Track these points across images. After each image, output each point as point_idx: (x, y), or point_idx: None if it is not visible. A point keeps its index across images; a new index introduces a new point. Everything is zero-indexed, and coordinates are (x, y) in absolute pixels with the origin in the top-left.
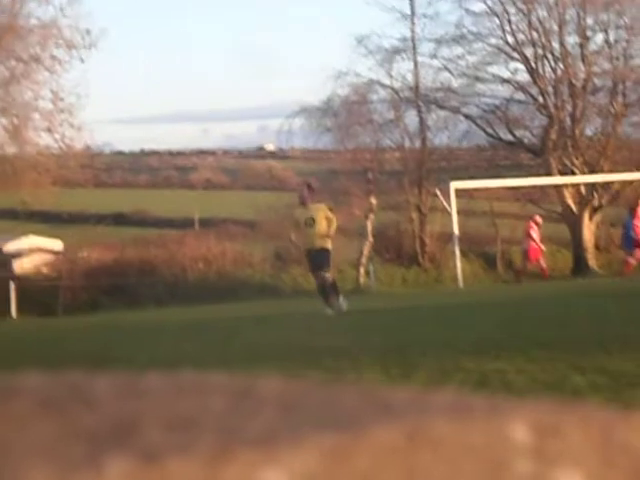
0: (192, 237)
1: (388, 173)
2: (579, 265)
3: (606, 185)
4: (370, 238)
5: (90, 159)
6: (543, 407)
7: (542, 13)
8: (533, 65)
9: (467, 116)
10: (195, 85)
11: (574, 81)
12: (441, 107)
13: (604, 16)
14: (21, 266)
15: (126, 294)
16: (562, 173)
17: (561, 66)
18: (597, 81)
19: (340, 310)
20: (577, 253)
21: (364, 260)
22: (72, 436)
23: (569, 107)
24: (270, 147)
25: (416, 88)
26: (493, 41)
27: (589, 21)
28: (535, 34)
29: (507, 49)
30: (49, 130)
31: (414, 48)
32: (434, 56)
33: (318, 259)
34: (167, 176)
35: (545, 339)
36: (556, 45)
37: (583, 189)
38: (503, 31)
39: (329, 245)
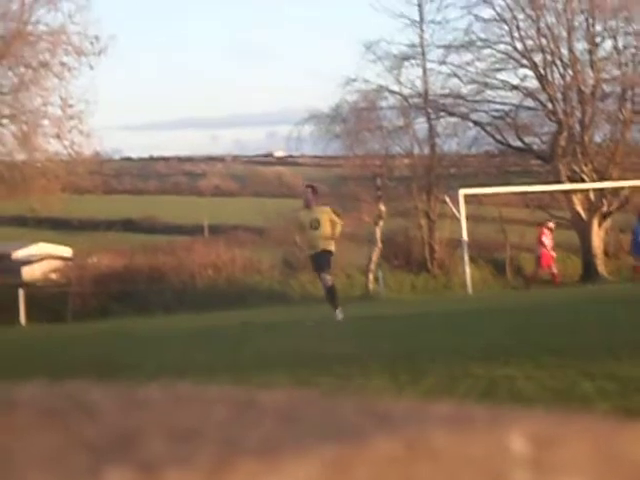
0: (201, 244)
1: (397, 179)
2: (588, 271)
3: (615, 191)
4: (379, 244)
5: (99, 165)
6: (542, 418)
7: (551, 19)
8: (542, 71)
9: (476, 122)
10: (204, 91)
11: (583, 87)
12: (450, 113)
13: (613, 22)
14: (31, 273)
15: (135, 301)
16: (571, 179)
17: (570, 72)
18: (606, 87)
19: (335, 318)
20: (586, 259)
21: (373, 266)
22: (73, 447)
23: (578, 113)
24: (279, 153)
25: (425, 94)
26: (502, 47)
27: (598, 27)
28: (544, 40)
29: (516, 55)
30: (58, 137)
31: (423, 54)
32: (443, 62)
33: (319, 260)
34: (176, 182)
35: (554, 345)
36: (565, 51)
37: (592, 195)
38: (512, 37)
39: (332, 247)
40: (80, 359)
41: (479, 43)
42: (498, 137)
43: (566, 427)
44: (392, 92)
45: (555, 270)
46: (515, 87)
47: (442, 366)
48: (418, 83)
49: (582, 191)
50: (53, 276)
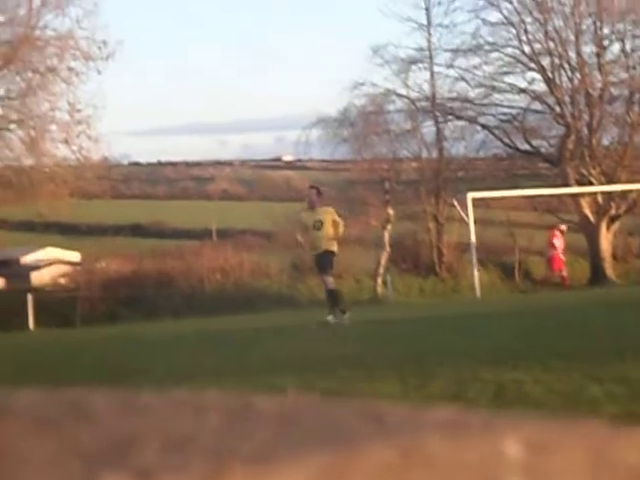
0: (209, 248)
1: (405, 183)
2: (597, 275)
3: (623, 194)
4: (387, 248)
5: (107, 170)
6: (536, 424)
7: (558, 23)
8: (550, 75)
9: (484, 126)
10: (212, 96)
11: (591, 91)
12: (458, 117)
13: (620, 25)
14: (39, 278)
15: (144, 305)
16: (579, 183)
17: (578, 76)
18: (614, 90)
19: (326, 322)
20: (594, 263)
21: (381, 270)
22: (69, 453)
23: (586, 117)
24: (287, 158)
25: (433, 98)
26: (510, 51)
27: (605, 30)
28: (552, 44)
29: (524, 59)
30: (66, 142)
31: (430, 58)
32: (451, 66)
33: (322, 261)
34: (184, 187)
35: (562, 349)
36: (573, 55)
37: (600, 199)
38: (520, 41)
39: (335, 248)
40: (89, 364)
41: (487, 47)
42: (506, 140)
43: (560, 433)
44: (400, 96)
45: (565, 273)
46: (523, 90)
47: (450, 369)
48: (426, 87)
49: (590, 194)
50: (62, 281)
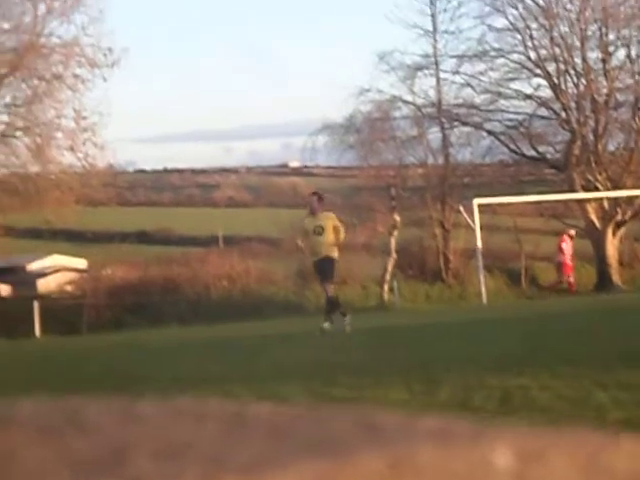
0: (216, 255)
1: (411, 189)
2: (603, 280)
3: (629, 200)
4: (394, 254)
5: (113, 178)
6: (527, 433)
7: (564, 29)
8: (555, 81)
9: (490, 132)
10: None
11: (596, 96)
12: (464, 123)
13: (626, 31)
14: (45, 285)
15: (150, 312)
16: (585, 188)
17: (583, 81)
18: (619, 96)
19: (322, 329)
20: (601, 268)
21: (388, 276)
22: (64, 462)
23: (592, 122)
24: (294, 164)
25: (439, 104)
26: (515, 57)
27: (611, 36)
28: (557, 50)
29: (529, 65)
30: (72, 149)
31: (436, 64)
32: (456, 72)
33: (323, 268)
34: (190, 194)
35: (569, 355)
36: (578, 61)
37: (606, 204)
38: (525, 47)
39: (336, 254)
40: (95, 371)
41: (492, 53)
42: (512, 146)
43: (550, 442)
44: (406, 102)
45: (572, 279)
46: (529, 96)
47: (457, 376)
48: (431, 93)
49: (596, 200)
50: (68, 288)
